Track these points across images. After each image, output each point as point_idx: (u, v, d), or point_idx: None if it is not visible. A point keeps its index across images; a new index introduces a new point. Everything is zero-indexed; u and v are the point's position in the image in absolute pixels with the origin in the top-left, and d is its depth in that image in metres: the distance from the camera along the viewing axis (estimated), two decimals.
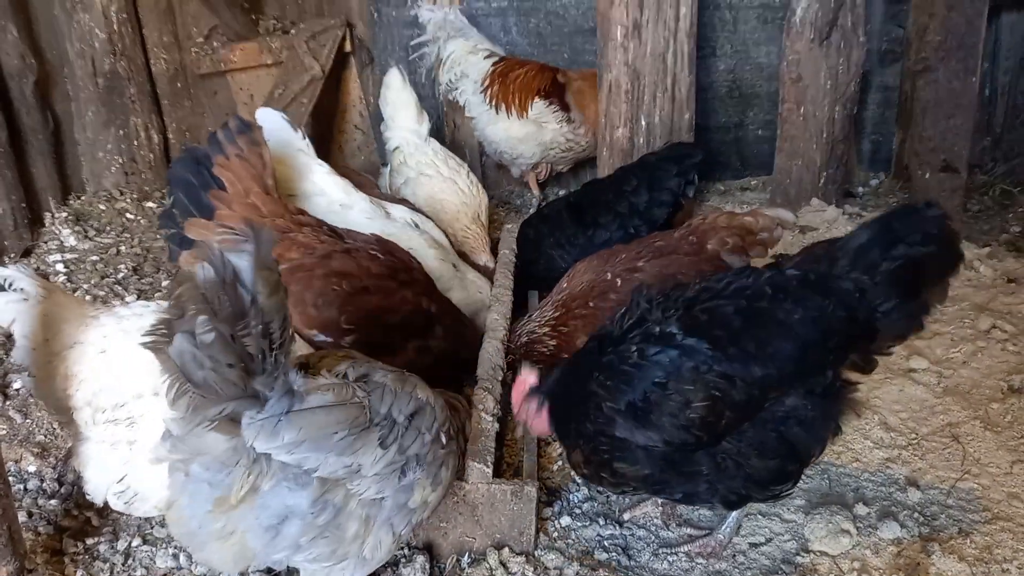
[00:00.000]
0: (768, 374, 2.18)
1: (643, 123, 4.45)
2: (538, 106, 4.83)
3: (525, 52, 5.14)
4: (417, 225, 3.66)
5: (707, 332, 2.23)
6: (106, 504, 2.32)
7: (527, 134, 4.91)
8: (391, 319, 2.87)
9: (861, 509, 2.54)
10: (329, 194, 3.64)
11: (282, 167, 3.68)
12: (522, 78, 4.89)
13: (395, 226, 3.58)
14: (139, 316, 2.37)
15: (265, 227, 1.74)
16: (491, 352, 2.97)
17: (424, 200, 4.15)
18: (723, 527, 2.48)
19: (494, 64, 4.94)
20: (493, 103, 4.91)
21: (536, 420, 2.45)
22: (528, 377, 2.57)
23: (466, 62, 4.98)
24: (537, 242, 3.94)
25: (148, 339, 1.72)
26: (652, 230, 3.71)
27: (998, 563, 2.34)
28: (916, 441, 2.85)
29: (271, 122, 3.69)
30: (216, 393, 1.73)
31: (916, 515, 2.52)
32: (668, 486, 2.36)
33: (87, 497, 2.38)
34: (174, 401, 1.74)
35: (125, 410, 2.25)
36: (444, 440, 2.16)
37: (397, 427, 2.02)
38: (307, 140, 3.73)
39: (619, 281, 3.14)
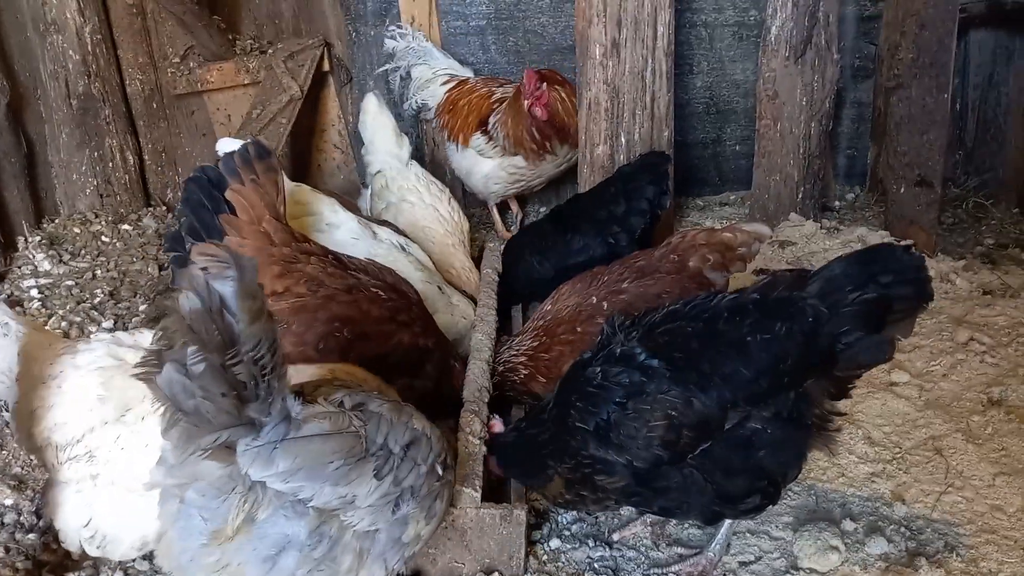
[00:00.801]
0: (723, 394, 2.25)
1: (623, 140, 4.47)
2: (477, 139, 4.79)
3: (504, 71, 5.15)
4: (403, 247, 3.63)
5: (666, 353, 2.32)
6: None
7: (470, 167, 4.90)
8: (386, 361, 2.80)
9: (848, 525, 2.55)
10: (316, 213, 3.62)
11: None
12: (467, 107, 4.85)
13: (382, 247, 3.55)
14: (92, 350, 2.34)
15: (246, 255, 1.73)
16: (477, 373, 2.96)
17: (406, 227, 4.13)
18: (712, 545, 2.49)
19: (448, 91, 4.94)
20: (446, 133, 4.94)
21: (496, 469, 2.65)
22: (495, 425, 2.75)
23: (426, 90, 5.00)
24: (517, 251, 3.95)
25: (139, 370, 1.70)
26: (631, 240, 3.73)
27: (983, 575, 2.37)
28: (900, 455, 2.87)
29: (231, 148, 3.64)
30: (209, 422, 1.71)
31: (903, 530, 2.54)
32: (645, 499, 2.42)
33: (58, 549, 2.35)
34: (167, 430, 1.72)
35: (82, 445, 2.22)
36: (440, 471, 2.13)
37: (393, 458, 1.99)
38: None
39: (605, 304, 3.13)
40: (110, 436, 2.21)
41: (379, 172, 4.37)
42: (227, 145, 3.55)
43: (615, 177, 4.02)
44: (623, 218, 3.77)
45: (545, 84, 4.48)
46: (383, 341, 2.82)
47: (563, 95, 4.60)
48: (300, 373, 2.30)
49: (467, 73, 4.98)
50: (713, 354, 2.31)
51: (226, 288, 1.67)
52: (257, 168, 2.88)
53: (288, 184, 3.64)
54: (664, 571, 2.49)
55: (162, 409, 1.70)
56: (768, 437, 2.29)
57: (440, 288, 3.56)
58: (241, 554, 1.86)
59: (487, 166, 4.84)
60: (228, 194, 2.84)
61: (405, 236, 3.77)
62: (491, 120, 4.75)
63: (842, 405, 2.42)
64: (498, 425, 2.77)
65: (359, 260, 3.07)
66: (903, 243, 2.45)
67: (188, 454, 1.74)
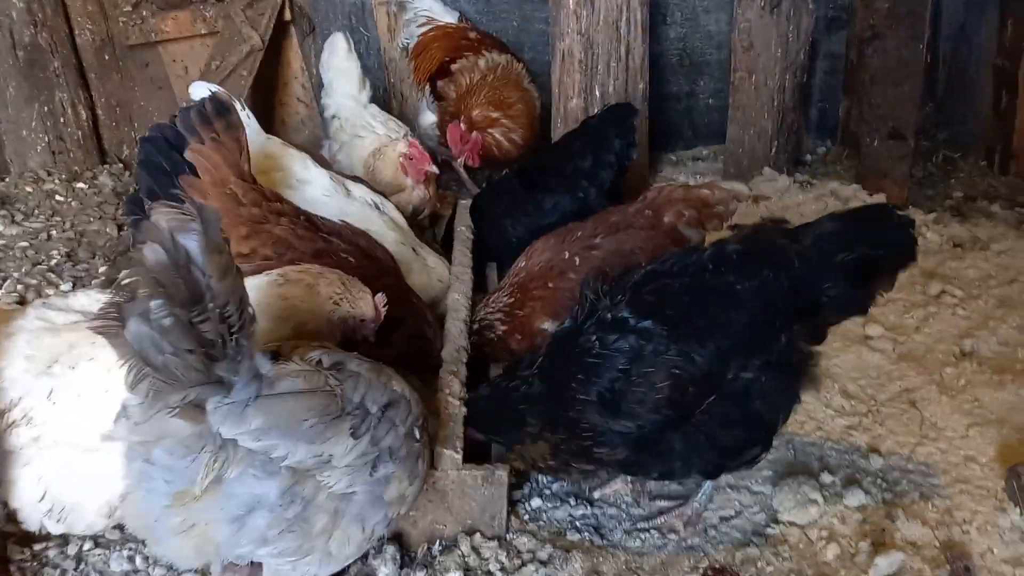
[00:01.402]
0: (721, 345, 2.25)
1: (597, 93, 4.38)
2: (427, 90, 4.71)
3: (473, 20, 4.99)
4: (377, 206, 3.51)
5: (658, 313, 2.29)
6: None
7: (418, 112, 4.83)
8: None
9: (826, 477, 2.58)
10: (286, 168, 3.49)
11: None
12: (426, 55, 4.71)
13: (354, 205, 3.44)
14: (21, 316, 2.29)
15: (210, 206, 1.68)
16: (455, 333, 2.90)
17: (360, 162, 4.01)
18: (699, 496, 2.50)
19: (422, 34, 4.79)
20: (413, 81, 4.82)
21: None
22: None
23: (407, 29, 4.85)
24: (488, 212, 3.86)
25: (98, 323, 1.64)
26: (600, 194, 3.66)
27: (958, 524, 2.41)
28: (875, 408, 2.91)
29: (204, 94, 3.51)
30: (178, 378, 1.65)
31: (879, 481, 2.58)
32: (644, 467, 2.43)
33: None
34: (133, 385, 1.66)
35: (19, 409, 2.15)
36: (418, 434, 2.10)
37: (370, 418, 1.95)
38: (248, 112, 3.55)
39: (577, 260, 3.09)
40: (41, 392, 2.14)
41: (334, 116, 4.26)
42: (200, 89, 3.41)
43: (580, 130, 3.92)
44: (591, 172, 3.68)
45: (474, 132, 4.27)
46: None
47: (497, 137, 4.36)
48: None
49: (448, 18, 4.77)
50: (705, 306, 2.30)
51: (191, 242, 1.61)
52: (217, 125, 2.74)
53: (260, 136, 3.52)
54: (650, 523, 2.50)
55: (128, 364, 1.63)
56: (764, 384, 2.30)
57: (415, 249, 3.47)
58: (208, 513, 1.83)
59: (429, 118, 4.76)
60: (188, 154, 2.70)
61: (382, 195, 3.66)
62: (439, 83, 4.61)
63: (819, 348, 2.42)
64: None
65: (333, 223, 2.97)
66: (890, 204, 2.44)
67: (155, 411, 1.68)
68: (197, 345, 1.64)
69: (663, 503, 2.59)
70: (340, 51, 4.22)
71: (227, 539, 1.88)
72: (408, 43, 4.86)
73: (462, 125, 4.30)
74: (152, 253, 1.58)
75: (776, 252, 2.35)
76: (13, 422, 2.14)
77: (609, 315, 2.34)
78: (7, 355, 2.18)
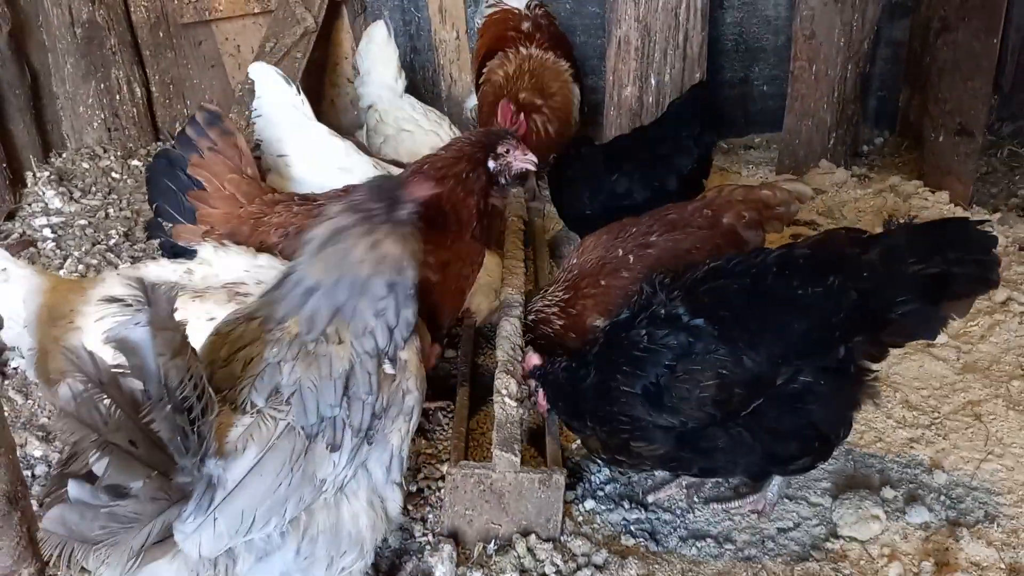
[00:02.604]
0: (772, 350, 2.24)
1: (652, 81, 4.29)
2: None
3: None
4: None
5: (712, 312, 2.29)
6: None
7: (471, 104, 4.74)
8: None
9: (888, 492, 2.53)
10: (328, 157, 3.48)
11: (273, 127, 3.51)
12: (480, 38, 4.61)
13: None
14: (102, 286, 2.39)
15: (158, 285, 1.56)
16: (509, 331, 2.88)
17: (408, 156, 3.97)
18: (772, 486, 2.51)
19: (487, 16, 4.73)
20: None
21: (536, 398, 2.62)
22: (531, 358, 2.67)
23: (480, 8, 4.82)
24: (570, 180, 3.73)
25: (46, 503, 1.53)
26: (680, 182, 3.56)
27: None
28: (938, 420, 2.84)
29: (265, 78, 3.52)
30: (127, 525, 1.50)
31: (942, 498, 2.53)
32: (684, 463, 2.43)
33: None
34: (88, 559, 1.51)
35: None
36: (388, 370, 1.90)
37: (336, 418, 1.79)
38: (303, 97, 3.56)
39: (631, 258, 3.03)
40: None
41: (371, 106, 4.22)
42: (259, 71, 3.48)
43: (664, 113, 3.83)
44: (667, 159, 3.59)
45: (523, 114, 4.12)
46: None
47: (538, 125, 4.21)
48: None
49: (515, 2, 4.67)
50: (761, 310, 2.28)
51: (138, 332, 1.49)
52: (212, 135, 2.86)
53: (308, 123, 3.52)
54: (724, 506, 2.54)
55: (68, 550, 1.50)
56: (818, 390, 2.27)
57: None
58: None
59: (474, 101, 4.70)
60: (190, 170, 2.84)
61: None
62: (487, 65, 4.51)
63: (878, 366, 2.38)
64: (535, 358, 2.66)
65: (328, 194, 2.98)
66: (976, 219, 2.35)
67: (125, 569, 1.55)
68: (147, 469, 1.50)
69: (716, 506, 2.58)
70: (379, 39, 4.17)
71: None
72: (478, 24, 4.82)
73: (511, 105, 4.22)
74: (64, 390, 1.43)
75: (846, 260, 2.30)
76: None
77: (663, 310, 2.35)
78: (91, 325, 2.23)
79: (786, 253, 2.38)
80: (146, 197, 4.17)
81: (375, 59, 4.21)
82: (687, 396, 2.26)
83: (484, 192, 2.75)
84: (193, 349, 1.62)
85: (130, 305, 1.51)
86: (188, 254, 2.86)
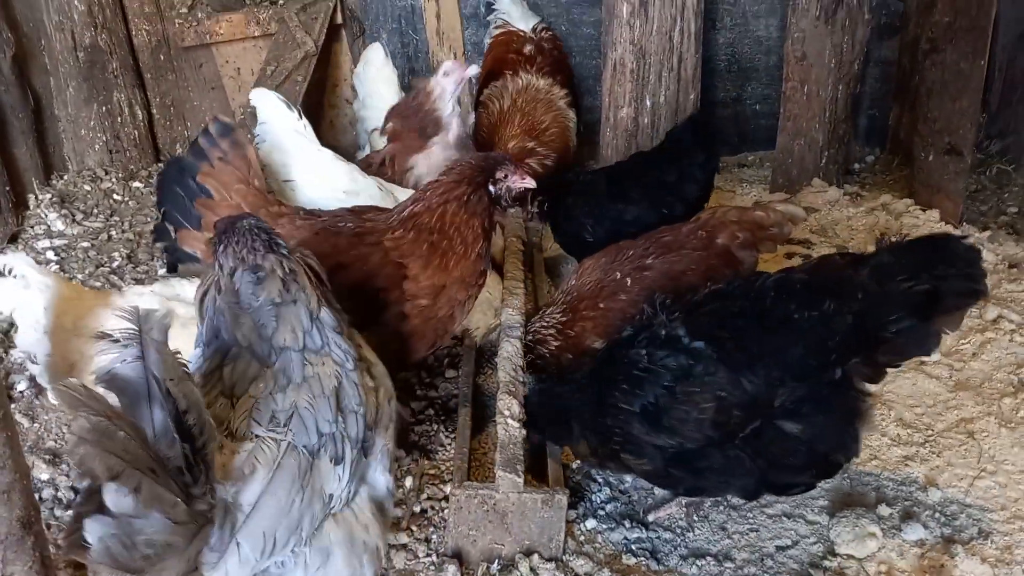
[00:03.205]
0: (771, 373, 2.28)
1: (648, 103, 4.36)
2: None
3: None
4: (393, 193, 3.52)
5: (711, 334, 2.35)
6: None
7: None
8: (374, 285, 2.74)
9: (884, 510, 2.58)
10: (333, 180, 3.53)
11: (278, 153, 3.56)
12: (485, 60, 4.67)
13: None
14: (135, 301, 2.40)
15: (152, 312, 1.58)
16: (511, 352, 2.93)
17: (412, 183, 4.02)
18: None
19: (492, 38, 4.80)
20: None
21: None
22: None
23: (488, 31, 4.87)
24: (571, 208, 3.75)
25: (65, 541, 1.53)
26: (687, 209, 3.61)
27: (1019, 564, 2.41)
28: (932, 438, 2.89)
29: (266, 104, 3.57)
30: (172, 549, 1.53)
31: (937, 515, 2.58)
32: (673, 480, 2.49)
33: None
34: None
35: None
36: (369, 381, 2.00)
37: (335, 433, 1.84)
38: (305, 121, 3.61)
39: (628, 280, 3.10)
40: None
41: (375, 130, 4.25)
42: (260, 96, 3.52)
43: (665, 140, 3.87)
44: (676, 186, 3.64)
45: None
46: (360, 264, 2.74)
47: (534, 166, 4.22)
48: None
49: (522, 24, 4.73)
50: (759, 332, 2.33)
51: (131, 367, 1.49)
52: (223, 145, 2.92)
53: (312, 147, 3.56)
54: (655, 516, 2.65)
55: None
56: (812, 416, 2.32)
57: None
58: None
59: (471, 119, 4.70)
60: (200, 178, 2.89)
61: None
62: (487, 88, 4.57)
63: (875, 388, 2.43)
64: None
65: (333, 211, 3.03)
66: (959, 235, 2.41)
67: None
68: (174, 489, 1.51)
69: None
70: (376, 62, 4.22)
71: None
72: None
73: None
74: (81, 422, 1.42)
75: (841, 283, 2.36)
76: None
77: (663, 331, 2.41)
78: None
79: (784, 278, 2.43)
80: (149, 218, 4.28)
81: (374, 82, 4.26)
82: (685, 417, 2.31)
83: (488, 212, 2.81)
84: (190, 375, 1.66)
85: (118, 341, 1.52)
86: (190, 259, 2.96)
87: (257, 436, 1.79)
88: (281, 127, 3.53)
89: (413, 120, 3.70)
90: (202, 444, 1.59)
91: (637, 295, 3.02)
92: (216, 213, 2.88)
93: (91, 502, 1.49)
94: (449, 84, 3.66)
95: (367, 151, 4.34)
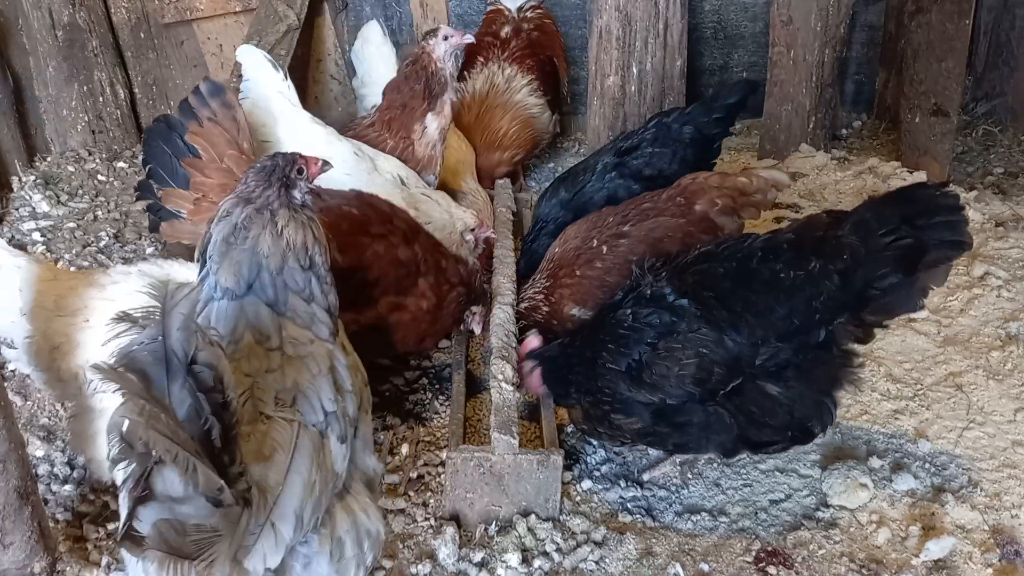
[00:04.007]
0: (755, 332, 2.31)
1: (634, 70, 4.34)
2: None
3: None
4: (403, 180, 3.48)
5: (696, 293, 2.38)
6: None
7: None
8: (367, 277, 2.75)
9: (875, 462, 2.61)
10: (310, 145, 3.49)
11: (259, 111, 3.51)
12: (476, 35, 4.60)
13: (377, 181, 3.38)
14: (121, 282, 2.36)
15: (182, 286, 1.53)
16: (503, 319, 2.94)
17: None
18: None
19: (486, 13, 4.76)
20: None
21: (529, 378, 2.69)
22: (531, 341, 2.79)
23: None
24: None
25: (124, 542, 1.47)
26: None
27: (1007, 509, 2.45)
28: (921, 392, 2.93)
29: (252, 61, 3.52)
30: (214, 536, 1.48)
31: (927, 466, 2.62)
32: (660, 437, 2.52)
33: (95, 478, 2.39)
34: None
35: None
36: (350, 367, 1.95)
37: (336, 412, 1.82)
38: (289, 82, 3.56)
39: (604, 248, 3.06)
40: None
41: (375, 107, 4.20)
42: (247, 53, 3.48)
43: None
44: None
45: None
46: (357, 253, 2.73)
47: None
48: None
49: (509, 3, 4.66)
50: (745, 292, 2.35)
51: (173, 338, 1.42)
52: (213, 105, 2.91)
53: (293, 110, 3.52)
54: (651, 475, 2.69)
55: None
56: (794, 375, 2.34)
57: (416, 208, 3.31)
58: None
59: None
60: (188, 137, 2.89)
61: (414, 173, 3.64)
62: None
63: (864, 348, 2.45)
64: (535, 341, 2.78)
65: (334, 190, 2.96)
66: (936, 183, 2.41)
67: None
68: (212, 486, 1.44)
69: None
70: (375, 39, 4.17)
71: None
72: None
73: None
74: (130, 408, 1.36)
75: (826, 243, 2.36)
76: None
77: (649, 291, 2.44)
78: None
79: (771, 238, 2.45)
80: (135, 198, 4.25)
81: (373, 60, 4.20)
82: (666, 374, 2.35)
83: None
84: (223, 349, 1.58)
85: (136, 321, 1.47)
86: (173, 218, 2.97)
87: (268, 417, 1.74)
88: (265, 86, 3.48)
89: (417, 83, 3.63)
90: (232, 423, 1.51)
91: (612, 263, 3.00)
92: (204, 174, 2.90)
93: (141, 487, 1.43)
94: (449, 47, 3.61)
95: None
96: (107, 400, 2.16)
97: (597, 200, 3.49)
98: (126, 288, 2.31)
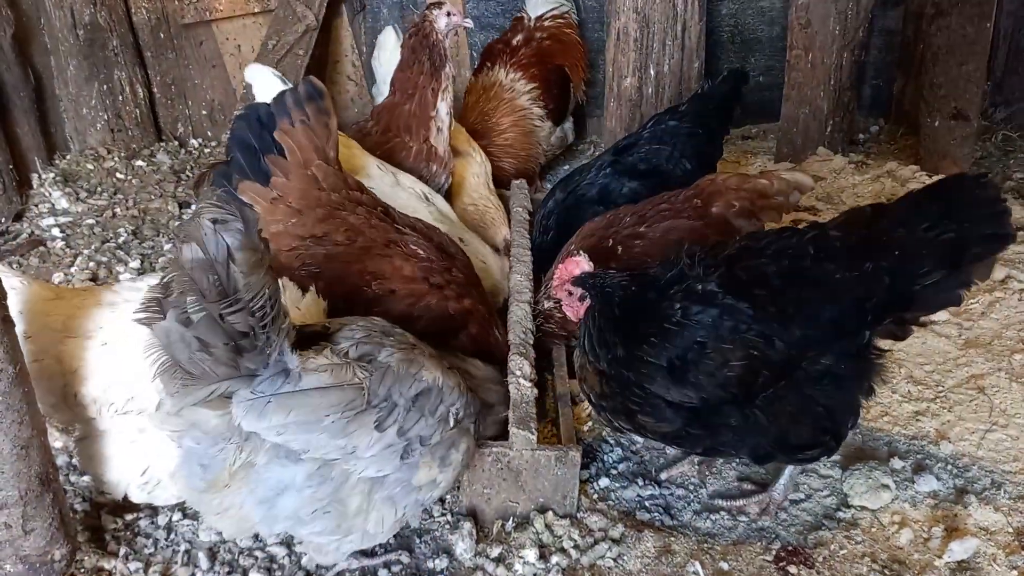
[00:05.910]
0: (806, 334, 2.21)
1: (652, 72, 4.35)
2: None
3: None
4: (427, 197, 3.49)
5: (748, 292, 2.25)
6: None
7: None
8: (414, 325, 2.64)
9: (896, 463, 2.58)
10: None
11: None
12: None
13: (402, 194, 3.43)
14: (130, 302, 2.23)
15: (250, 210, 1.74)
16: (520, 316, 2.93)
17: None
18: (777, 485, 2.50)
19: (514, 18, 4.80)
20: None
21: (574, 307, 2.49)
22: (582, 262, 2.56)
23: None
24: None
25: (141, 315, 1.73)
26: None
27: None
28: (943, 394, 2.90)
29: (261, 79, 3.52)
30: (205, 373, 1.75)
31: (949, 467, 2.58)
32: (691, 440, 2.40)
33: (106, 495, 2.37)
34: (162, 377, 1.76)
35: (136, 402, 2.19)
36: (453, 421, 2.12)
37: (397, 410, 1.99)
38: None
39: (619, 249, 3.03)
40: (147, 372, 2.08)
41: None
42: (256, 72, 3.45)
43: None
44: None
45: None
46: (411, 301, 2.72)
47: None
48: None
49: (531, 10, 4.68)
50: (798, 292, 2.24)
51: (231, 238, 1.67)
52: (308, 109, 2.78)
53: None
54: (729, 504, 2.52)
55: (156, 355, 1.74)
56: (838, 375, 2.26)
57: (461, 239, 3.37)
58: (240, 497, 1.93)
59: None
60: (277, 135, 2.76)
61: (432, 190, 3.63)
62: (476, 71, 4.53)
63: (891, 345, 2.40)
64: (585, 263, 2.55)
65: (410, 218, 2.96)
66: (976, 174, 2.34)
67: (185, 404, 1.79)
68: (226, 339, 1.72)
69: (748, 485, 2.60)
70: (390, 45, 4.20)
71: (261, 519, 1.97)
72: None
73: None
74: (189, 251, 1.65)
75: (874, 241, 2.26)
76: (127, 412, 2.20)
77: (699, 286, 2.29)
78: (127, 346, 2.17)
79: (821, 235, 2.32)
80: (153, 196, 4.28)
81: (390, 64, 4.20)
82: (713, 373, 2.22)
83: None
84: (272, 267, 1.79)
85: (229, 214, 1.67)
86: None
87: (346, 355, 1.96)
88: None
89: (423, 53, 3.61)
90: (268, 322, 1.76)
91: (627, 265, 2.95)
92: (287, 176, 2.77)
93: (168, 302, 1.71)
94: (451, 23, 3.60)
95: None
96: (118, 421, 2.21)
97: (589, 196, 3.51)
98: (127, 312, 2.18)
